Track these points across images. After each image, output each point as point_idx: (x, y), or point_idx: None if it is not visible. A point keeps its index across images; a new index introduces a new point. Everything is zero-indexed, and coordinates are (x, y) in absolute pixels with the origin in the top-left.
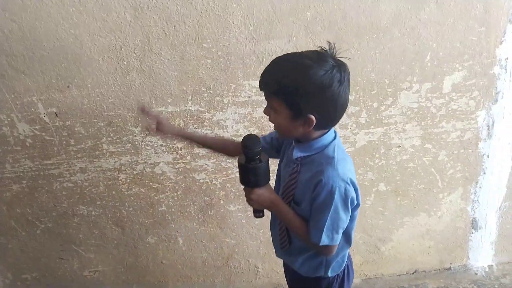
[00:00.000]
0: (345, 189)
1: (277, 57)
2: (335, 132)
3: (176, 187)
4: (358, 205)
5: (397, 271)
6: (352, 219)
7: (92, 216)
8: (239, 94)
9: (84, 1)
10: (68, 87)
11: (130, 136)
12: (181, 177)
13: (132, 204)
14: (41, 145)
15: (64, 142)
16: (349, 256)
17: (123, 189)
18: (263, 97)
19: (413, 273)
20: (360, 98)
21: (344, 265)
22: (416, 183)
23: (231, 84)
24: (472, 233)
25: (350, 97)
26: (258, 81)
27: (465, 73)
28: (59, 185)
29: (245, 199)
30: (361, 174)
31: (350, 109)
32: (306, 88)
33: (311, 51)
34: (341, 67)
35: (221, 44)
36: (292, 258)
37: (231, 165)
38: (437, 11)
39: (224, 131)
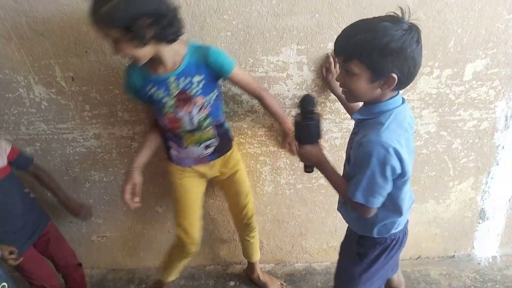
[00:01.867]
0: (384, 156)
1: (352, 23)
2: (403, 99)
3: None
4: (403, 174)
5: (401, 256)
6: (398, 187)
7: (104, 182)
8: (256, 69)
9: None
10: (86, 52)
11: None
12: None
13: (143, 172)
14: (56, 109)
15: (79, 107)
16: (404, 230)
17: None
18: (281, 74)
19: (416, 259)
20: None
21: (394, 231)
22: (428, 170)
23: (249, 59)
24: (479, 223)
25: None
26: (334, 43)
27: (488, 61)
28: (72, 150)
29: (297, 154)
30: None
31: None
32: (387, 48)
33: (385, 15)
34: (417, 28)
35: (242, 17)
36: (347, 213)
37: (243, 141)
38: None
39: (238, 106)
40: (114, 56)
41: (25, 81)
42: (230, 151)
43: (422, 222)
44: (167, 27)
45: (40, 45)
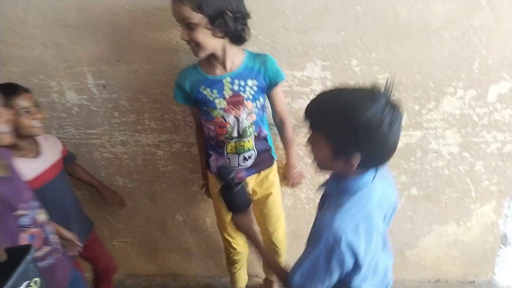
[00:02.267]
0: (332, 247)
1: (327, 90)
2: (375, 177)
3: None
4: (357, 268)
5: (420, 278)
6: (354, 282)
7: (128, 188)
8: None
9: None
10: (118, 61)
11: (172, 115)
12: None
13: (166, 180)
14: (87, 115)
15: (109, 114)
16: None
17: (159, 165)
18: (304, 89)
19: (435, 282)
20: (403, 99)
21: None
22: (449, 191)
23: None
24: (500, 248)
25: (392, 97)
26: (305, 109)
27: None
28: (99, 155)
29: None
30: (394, 176)
31: None
32: (352, 128)
33: (363, 87)
34: (394, 108)
35: (268, 32)
36: None
37: None
38: (491, 17)
39: None
40: (182, 39)
41: (58, 86)
42: (268, 170)
43: (442, 244)
44: (242, 27)
45: (75, 53)
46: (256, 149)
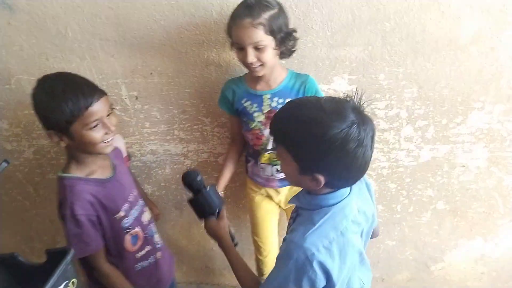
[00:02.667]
0: (303, 265)
1: (292, 101)
2: (350, 189)
3: (236, 179)
4: (330, 286)
5: None
6: None
7: (155, 195)
8: None
9: None
10: (151, 74)
11: (200, 125)
12: (241, 170)
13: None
14: (119, 125)
15: (140, 124)
16: None
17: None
18: None
19: None
20: (430, 113)
21: None
22: (476, 206)
23: None
24: None
25: (419, 111)
26: (272, 123)
27: None
28: (130, 163)
29: None
30: (420, 189)
31: (418, 123)
32: (314, 145)
33: (331, 99)
34: (361, 124)
35: (297, 47)
36: None
37: None
38: None
39: None
40: (246, 61)
41: None
42: None
43: (469, 259)
44: (293, 42)
45: (110, 66)
46: None
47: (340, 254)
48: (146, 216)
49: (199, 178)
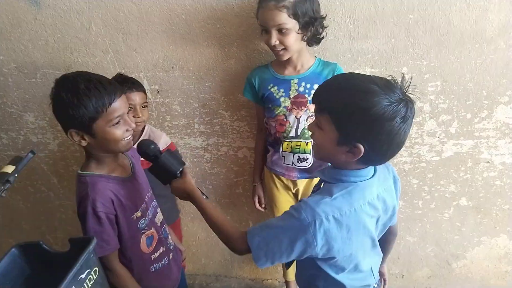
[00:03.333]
0: (307, 226)
1: (341, 74)
2: (374, 173)
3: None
4: (329, 257)
5: None
6: (333, 267)
7: None
8: None
9: None
10: (172, 67)
11: (220, 119)
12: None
13: (212, 182)
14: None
15: (161, 117)
16: None
17: (206, 168)
18: None
19: None
20: (454, 107)
21: None
22: (501, 203)
23: None
24: None
25: (443, 105)
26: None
27: None
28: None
29: None
30: (443, 185)
31: (441, 117)
32: (364, 115)
33: (380, 77)
34: (408, 103)
35: (324, 34)
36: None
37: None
38: None
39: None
40: (269, 44)
41: None
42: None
43: (492, 257)
44: (321, 29)
45: (133, 60)
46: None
47: (349, 229)
48: (159, 217)
49: (152, 146)
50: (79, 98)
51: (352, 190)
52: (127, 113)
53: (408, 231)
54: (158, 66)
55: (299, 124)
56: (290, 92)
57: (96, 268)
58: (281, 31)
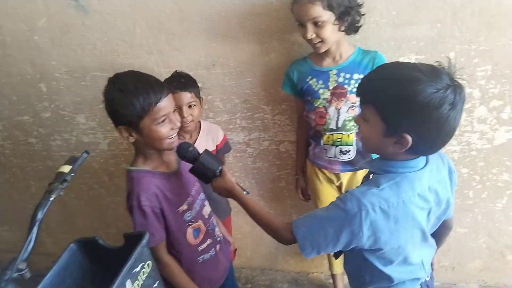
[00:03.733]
0: (353, 216)
1: (384, 63)
2: (426, 164)
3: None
4: (377, 247)
5: None
6: (381, 258)
7: None
8: None
9: None
10: (213, 65)
11: (261, 114)
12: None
13: (255, 176)
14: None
15: (204, 114)
16: None
17: (249, 162)
18: None
19: None
20: (506, 91)
21: None
22: None
23: None
24: None
25: (494, 90)
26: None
27: None
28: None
29: None
30: (495, 174)
31: (492, 103)
32: (409, 104)
33: (425, 64)
34: (457, 88)
35: (360, 29)
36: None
37: None
38: None
39: None
40: (306, 38)
41: None
42: (364, 171)
43: None
44: (358, 18)
45: (176, 59)
46: (356, 146)
47: (397, 221)
48: (207, 210)
49: (190, 148)
50: (128, 97)
51: (400, 181)
52: (174, 112)
53: (459, 222)
54: (200, 64)
55: (340, 116)
56: (329, 84)
57: (149, 262)
58: (316, 24)
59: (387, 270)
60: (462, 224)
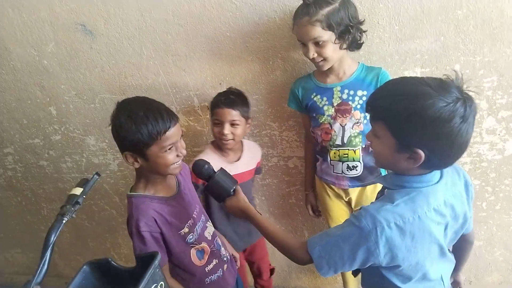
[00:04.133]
0: (368, 233)
1: (392, 79)
2: (440, 178)
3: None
4: (394, 265)
5: None
6: (391, 275)
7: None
8: None
9: (241, 6)
10: (220, 84)
11: (269, 130)
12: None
13: (264, 193)
14: (193, 134)
15: (212, 133)
16: None
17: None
18: None
19: None
20: None
21: None
22: None
23: None
24: None
25: (501, 100)
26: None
27: None
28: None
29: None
30: (508, 185)
31: (501, 113)
32: (420, 119)
33: (433, 77)
34: (467, 101)
35: (363, 44)
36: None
37: None
38: None
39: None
40: (308, 57)
41: None
42: (373, 186)
43: None
44: (359, 35)
45: (182, 79)
46: (363, 162)
47: (413, 237)
48: (210, 231)
49: (206, 166)
50: (137, 124)
51: (415, 197)
52: (180, 139)
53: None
54: (206, 84)
55: (345, 132)
56: (333, 100)
57: (162, 283)
58: (318, 43)
59: (406, 287)
60: (477, 236)
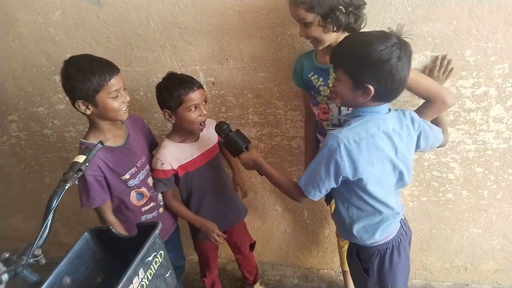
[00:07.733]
0: (334, 150)
1: (349, 35)
2: (389, 111)
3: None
4: (357, 177)
5: None
6: (361, 189)
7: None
8: None
9: None
10: (227, 59)
11: (274, 109)
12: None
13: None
14: None
15: (217, 109)
16: (398, 237)
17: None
18: None
19: None
20: None
21: (380, 239)
22: None
23: None
24: None
25: (511, 89)
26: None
27: None
28: None
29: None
30: (511, 174)
31: (509, 101)
32: (367, 61)
33: (378, 30)
34: (402, 45)
35: (374, 24)
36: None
37: None
38: None
39: None
40: (300, 36)
41: None
42: None
43: None
44: (355, 17)
45: (189, 53)
46: None
47: (368, 150)
48: (151, 180)
49: (225, 126)
50: (85, 74)
51: (368, 121)
52: (124, 89)
53: (472, 222)
54: (213, 59)
55: (341, 113)
56: (329, 82)
57: (161, 251)
58: (305, 24)
59: (372, 201)
60: (476, 224)
